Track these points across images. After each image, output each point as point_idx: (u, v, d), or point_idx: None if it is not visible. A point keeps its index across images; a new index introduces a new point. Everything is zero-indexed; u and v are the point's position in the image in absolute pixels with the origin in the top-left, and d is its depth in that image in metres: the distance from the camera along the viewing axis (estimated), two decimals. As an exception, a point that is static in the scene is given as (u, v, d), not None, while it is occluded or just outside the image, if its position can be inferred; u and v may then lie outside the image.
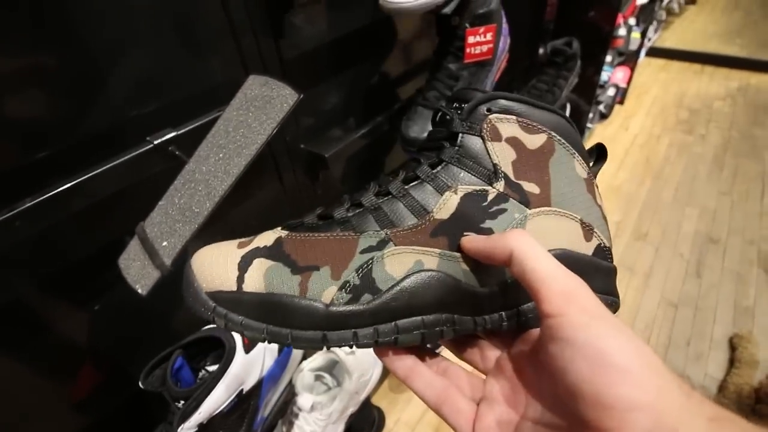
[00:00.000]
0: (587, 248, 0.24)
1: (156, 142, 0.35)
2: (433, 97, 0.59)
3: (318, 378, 0.64)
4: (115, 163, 0.34)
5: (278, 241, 0.22)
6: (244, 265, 0.21)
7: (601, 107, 1.61)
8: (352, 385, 0.60)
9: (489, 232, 0.22)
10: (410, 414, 1.12)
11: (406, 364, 0.22)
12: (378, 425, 0.87)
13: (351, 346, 0.20)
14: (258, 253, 0.21)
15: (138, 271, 0.31)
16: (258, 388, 0.43)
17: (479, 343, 0.24)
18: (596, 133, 1.91)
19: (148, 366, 0.38)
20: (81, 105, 0.34)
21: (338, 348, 0.22)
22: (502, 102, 0.24)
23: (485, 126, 0.23)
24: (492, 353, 0.23)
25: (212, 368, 0.41)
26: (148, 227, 0.32)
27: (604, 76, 1.48)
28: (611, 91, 1.65)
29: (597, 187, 0.26)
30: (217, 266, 0.21)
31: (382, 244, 0.21)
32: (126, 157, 0.35)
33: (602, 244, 0.25)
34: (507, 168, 0.23)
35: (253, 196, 0.55)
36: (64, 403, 0.46)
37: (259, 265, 0.21)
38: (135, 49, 0.36)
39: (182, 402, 0.37)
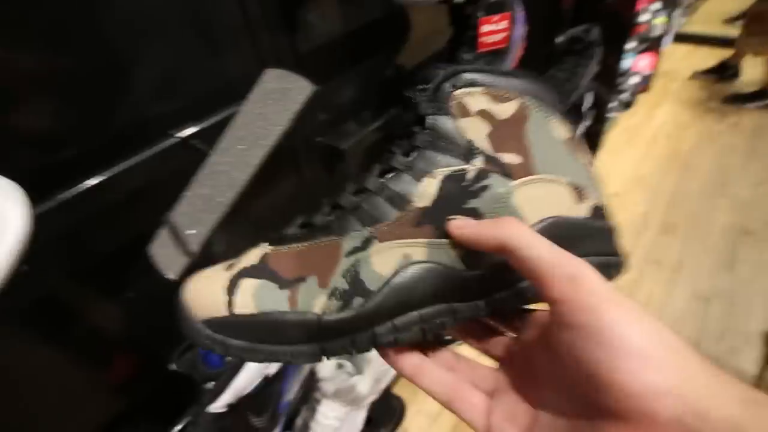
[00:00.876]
0: (581, 210, 0.23)
1: (180, 136, 0.37)
2: (448, 88, 0.59)
3: (340, 366, 0.66)
4: (142, 158, 0.36)
5: (263, 258, 0.22)
6: (231, 287, 0.21)
7: (625, 96, 1.57)
8: (373, 373, 0.61)
9: (474, 212, 0.21)
10: (431, 405, 1.13)
11: (412, 362, 0.21)
12: (399, 415, 0.88)
13: (351, 353, 0.20)
14: (244, 273, 0.21)
15: (168, 258, 0.33)
16: (282, 371, 0.44)
17: (488, 329, 0.24)
18: (620, 123, 1.86)
19: (180, 349, 0.41)
20: (108, 102, 0.36)
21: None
22: (466, 76, 0.23)
23: (452, 103, 0.22)
24: (501, 339, 0.23)
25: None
26: (175, 217, 0.34)
27: (627, 63, 1.44)
28: (635, 79, 1.61)
29: (582, 145, 0.25)
30: (206, 293, 0.21)
31: (366, 243, 0.21)
32: (152, 152, 0.37)
33: (596, 204, 0.24)
34: (482, 143, 0.22)
35: (272, 190, 0.57)
36: (101, 388, 0.49)
37: (247, 285, 0.21)
38: (156, 49, 0.38)
39: (212, 383, 0.39)
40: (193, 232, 0.32)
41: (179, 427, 0.51)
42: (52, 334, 0.42)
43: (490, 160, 0.22)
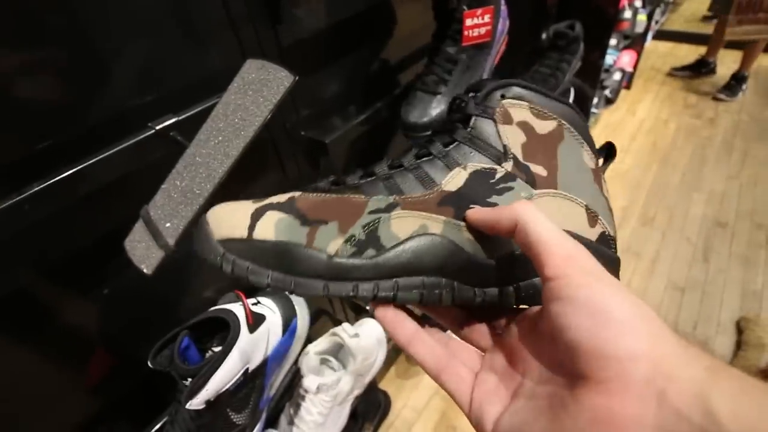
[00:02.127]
0: (591, 234, 0.24)
1: (158, 128, 0.36)
2: (432, 81, 0.59)
3: (324, 362, 0.66)
4: (118, 148, 0.35)
5: (291, 198, 0.23)
6: (256, 215, 0.22)
7: (607, 92, 1.59)
8: (356, 368, 0.61)
9: (494, 206, 0.23)
10: (417, 399, 1.14)
11: (408, 329, 0.22)
12: (384, 409, 0.88)
13: (352, 297, 0.21)
14: (271, 207, 0.23)
15: (143, 252, 0.32)
16: (263, 367, 0.44)
17: (478, 323, 0.24)
18: (602, 119, 1.89)
19: (156, 346, 0.40)
20: (85, 93, 0.35)
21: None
22: (516, 89, 0.25)
23: (498, 110, 0.24)
24: (490, 333, 0.24)
25: (218, 349, 0.42)
26: (151, 210, 0.33)
27: (609, 59, 1.46)
28: (617, 76, 1.63)
29: (604, 181, 0.27)
30: (231, 217, 0.22)
31: (390, 207, 0.22)
32: (129, 143, 0.36)
33: (606, 232, 0.25)
34: (516, 149, 0.24)
35: (255, 184, 0.56)
36: (78, 387, 0.48)
37: (271, 216, 0.22)
38: (135, 39, 0.37)
39: (190, 380, 0.38)
40: (170, 225, 0.31)
41: (157, 426, 0.51)
42: (24, 332, 0.40)
43: (519, 166, 0.24)
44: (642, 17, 1.60)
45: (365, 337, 0.64)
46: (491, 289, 0.23)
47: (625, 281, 1.33)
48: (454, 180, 0.23)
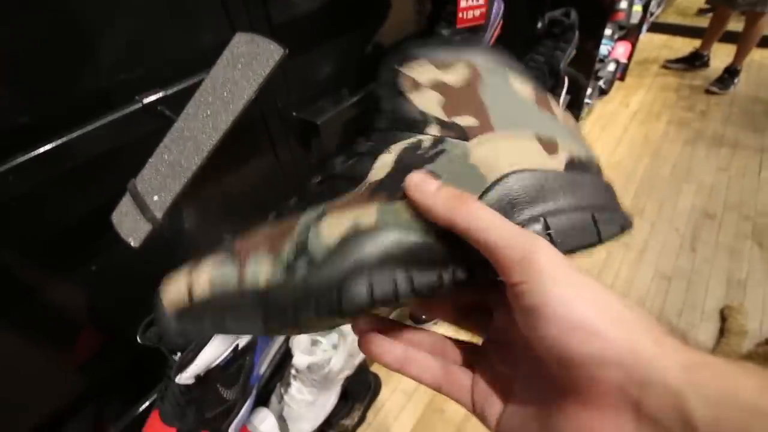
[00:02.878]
0: (554, 163, 0.21)
1: (145, 101, 0.35)
2: (425, 63, 0.59)
3: (314, 343, 0.66)
4: (104, 121, 0.35)
5: (229, 241, 0.21)
6: (194, 270, 0.20)
7: (601, 83, 1.60)
8: (346, 347, 0.62)
9: (432, 175, 0.20)
10: (407, 383, 1.16)
11: (396, 354, 0.21)
12: (374, 390, 0.89)
13: (296, 326, 0.19)
14: (207, 255, 0.21)
15: (130, 225, 0.32)
16: (253, 344, 0.44)
17: (473, 309, 0.23)
18: (596, 109, 1.90)
19: (145, 321, 0.40)
20: (72, 65, 0.35)
21: (282, 335, 0.20)
22: (411, 51, 0.23)
23: (400, 81, 0.23)
24: (485, 318, 0.23)
25: (208, 326, 0.42)
26: (139, 183, 0.33)
27: (604, 50, 1.46)
28: (611, 66, 1.64)
29: (552, 101, 0.24)
30: (173, 284, 0.20)
31: (319, 217, 0.20)
32: (116, 116, 0.35)
33: (575, 156, 0.22)
34: (436, 111, 0.22)
35: (247, 165, 0.56)
36: (66, 366, 0.48)
37: (206, 267, 0.20)
38: (124, 12, 0.36)
39: (179, 354, 0.39)
40: (157, 198, 0.31)
41: (147, 402, 0.51)
42: (9, 311, 0.40)
43: (445, 126, 0.21)
44: (638, 8, 1.60)
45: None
46: (457, 267, 0.19)
47: (613, 270, 1.35)
48: (380, 167, 0.21)
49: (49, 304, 0.43)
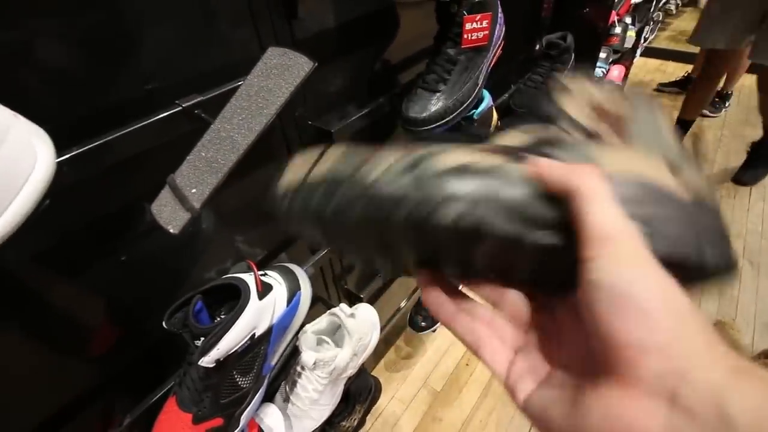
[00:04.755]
0: (673, 182, 0.19)
1: (184, 105, 0.39)
2: (432, 80, 0.63)
3: (320, 342, 0.69)
4: (148, 122, 0.39)
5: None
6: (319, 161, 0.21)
7: (597, 103, 1.66)
8: (351, 346, 0.64)
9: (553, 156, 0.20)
10: (405, 391, 1.17)
11: (448, 310, 0.23)
12: (375, 392, 0.91)
13: (374, 241, 0.20)
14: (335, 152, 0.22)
15: (170, 215, 0.36)
16: (268, 334, 0.47)
17: (515, 296, 0.23)
18: (592, 130, 1.96)
19: (171, 308, 0.43)
20: (117, 70, 0.39)
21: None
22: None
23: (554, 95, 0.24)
24: (527, 306, 0.23)
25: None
26: (178, 177, 0.37)
27: (599, 72, 1.52)
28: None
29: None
30: (297, 167, 0.22)
31: (441, 150, 0.20)
32: (157, 118, 0.39)
33: (693, 186, 0.20)
34: (579, 117, 0.23)
35: (262, 168, 0.60)
36: (82, 356, 0.50)
37: (331, 156, 0.21)
38: (166, 23, 0.41)
39: (202, 340, 0.41)
40: (195, 191, 0.35)
41: (166, 388, 0.53)
42: (44, 294, 0.43)
43: (579, 128, 0.21)
44: (631, 33, 1.67)
45: (361, 318, 0.67)
46: (542, 234, 0.18)
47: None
48: (507, 137, 0.22)
49: (74, 294, 0.46)
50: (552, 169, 0.18)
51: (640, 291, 0.15)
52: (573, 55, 1.01)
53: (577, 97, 0.23)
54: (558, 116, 0.22)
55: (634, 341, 0.14)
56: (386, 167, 0.19)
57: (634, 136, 0.21)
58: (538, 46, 1.15)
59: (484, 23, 0.60)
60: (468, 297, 0.24)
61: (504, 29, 0.68)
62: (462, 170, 0.18)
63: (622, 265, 0.16)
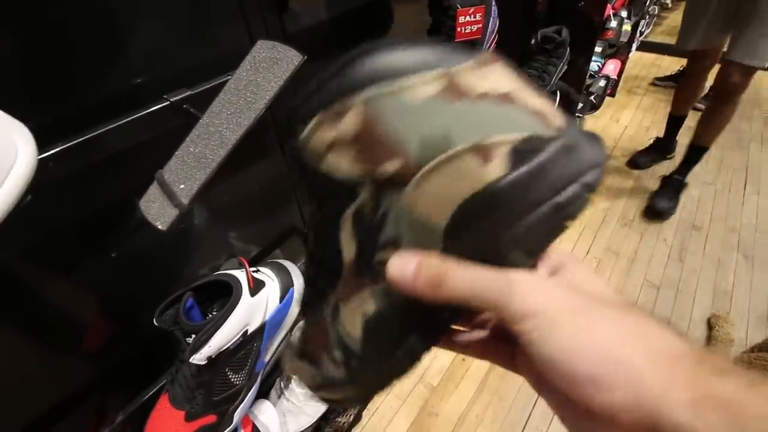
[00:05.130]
0: (493, 171, 0.17)
1: (172, 100, 0.39)
2: (426, 73, 0.63)
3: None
4: (134, 116, 0.38)
5: (300, 338, 0.25)
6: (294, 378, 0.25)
7: (592, 98, 1.66)
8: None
9: (388, 244, 0.19)
10: (401, 387, 1.17)
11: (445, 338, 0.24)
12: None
13: (378, 393, 0.23)
14: (297, 355, 0.25)
15: (158, 211, 0.35)
16: (261, 331, 0.47)
17: (497, 343, 0.24)
18: (587, 124, 1.96)
19: (162, 306, 0.42)
20: (104, 64, 0.38)
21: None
22: (299, 112, 0.20)
23: (305, 153, 0.20)
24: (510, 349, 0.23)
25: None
26: (166, 173, 0.36)
27: (594, 66, 1.52)
28: (602, 83, 1.70)
29: (463, 79, 0.18)
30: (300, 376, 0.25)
31: (336, 312, 0.22)
32: (144, 113, 0.39)
33: (516, 146, 0.17)
34: (356, 170, 0.19)
35: (255, 163, 0.59)
36: (75, 353, 0.50)
37: (300, 369, 0.24)
38: (155, 16, 0.40)
39: (193, 337, 0.41)
40: (184, 186, 0.34)
41: (158, 386, 0.53)
42: (27, 294, 0.43)
43: (373, 182, 0.18)
44: (627, 27, 1.67)
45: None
46: (450, 309, 0.21)
47: (603, 279, 1.41)
48: (347, 245, 0.21)
49: (65, 290, 0.45)
50: (419, 293, 0.18)
51: (580, 358, 0.15)
52: (568, 49, 1.01)
53: (331, 153, 0.19)
54: (344, 188, 0.19)
55: (602, 406, 0.15)
56: (335, 368, 0.22)
57: (416, 151, 0.17)
58: (533, 40, 1.14)
59: (478, 16, 0.60)
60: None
61: (498, 23, 0.67)
62: (369, 327, 0.21)
63: (551, 331, 0.16)
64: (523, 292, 0.17)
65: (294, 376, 0.26)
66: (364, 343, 0.21)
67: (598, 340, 0.15)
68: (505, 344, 0.22)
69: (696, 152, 1.54)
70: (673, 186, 1.57)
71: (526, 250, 0.18)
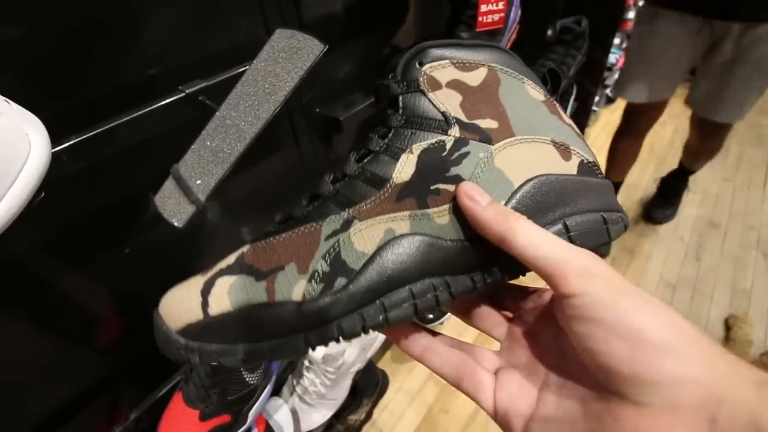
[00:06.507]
0: (569, 168, 0.22)
1: (188, 91, 0.37)
2: (445, 65, 0.61)
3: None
4: (149, 109, 0.37)
5: (240, 256, 0.21)
6: (206, 289, 0.20)
7: (608, 91, 1.62)
8: (359, 341, 0.63)
9: (457, 179, 0.20)
10: (411, 383, 1.16)
11: (420, 343, 0.22)
12: (382, 386, 0.90)
13: (338, 340, 0.18)
14: (219, 273, 0.20)
15: (174, 207, 0.34)
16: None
17: (487, 308, 0.24)
18: (602, 117, 1.92)
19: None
20: (118, 55, 0.37)
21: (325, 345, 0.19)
22: (433, 51, 0.22)
23: (422, 79, 0.22)
24: (501, 318, 0.23)
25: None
26: (182, 168, 0.35)
27: (612, 58, 1.48)
28: (619, 75, 1.66)
29: (559, 107, 0.24)
30: (180, 300, 0.20)
31: (347, 225, 0.20)
32: (159, 104, 0.37)
33: (584, 160, 0.23)
34: (457, 112, 0.22)
35: (270, 158, 0.58)
36: (89, 348, 0.49)
37: (222, 283, 0.19)
38: (167, 7, 0.38)
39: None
40: (200, 182, 0.33)
41: (171, 384, 0.52)
42: (47, 287, 0.42)
43: (466, 127, 0.21)
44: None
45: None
46: (489, 268, 0.20)
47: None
48: (404, 169, 0.21)
49: (78, 286, 0.45)
50: (479, 217, 0.19)
51: (653, 324, 0.15)
52: (588, 40, 0.98)
53: (448, 89, 0.22)
54: (440, 120, 0.22)
55: (667, 377, 0.14)
56: (304, 282, 0.19)
57: (516, 123, 0.22)
58: (550, 31, 1.11)
59: (500, 5, 0.57)
60: (436, 333, 0.23)
61: (519, 12, 0.65)
62: (387, 246, 0.19)
63: (620, 299, 0.16)
64: (587, 254, 0.17)
65: (193, 304, 0.20)
66: (372, 261, 0.19)
67: (669, 313, 0.16)
68: (488, 377, 0.21)
69: (684, 173, 1.40)
70: (671, 191, 1.44)
71: (572, 239, 0.20)
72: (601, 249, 0.21)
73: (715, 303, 1.22)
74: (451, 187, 0.20)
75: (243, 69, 0.38)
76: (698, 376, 0.14)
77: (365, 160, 0.22)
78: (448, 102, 0.22)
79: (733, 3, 0.85)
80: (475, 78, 0.23)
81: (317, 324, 0.18)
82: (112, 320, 0.50)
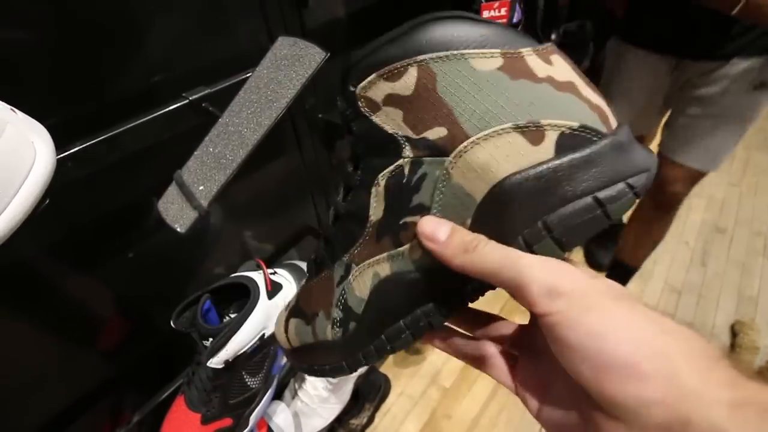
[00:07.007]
0: (542, 153, 0.18)
1: (191, 98, 0.38)
2: (447, 71, 0.61)
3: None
4: (153, 115, 0.37)
5: (297, 296, 0.26)
6: (285, 328, 0.26)
7: (613, 96, 1.61)
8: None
9: (421, 208, 0.19)
10: (414, 388, 1.16)
11: (440, 336, 0.24)
12: (384, 391, 0.90)
13: (368, 364, 0.22)
14: (290, 314, 0.26)
15: (176, 213, 0.34)
16: (278, 334, 0.46)
17: (491, 322, 0.24)
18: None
19: (179, 308, 0.42)
20: (122, 63, 0.37)
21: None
22: (357, 66, 0.20)
23: (359, 103, 0.20)
24: (506, 327, 0.23)
25: (235, 315, 0.44)
26: (185, 174, 0.35)
27: (617, 63, 1.48)
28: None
29: (532, 53, 0.19)
30: (279, 332, 0.26)
31: (347, 270, 0.22)
32: (163, 111, 0.38)
33: (565, 131, 0.18)
34: (404, 130, 0.19)
35: (274, 162, 0.58)
36: (91, 351, 0.50)
37: (291, 325, 0.25)
38: (171, 15, 0.39)
39: (210, 340, 0.40)
40: (203, 188, 0.33)
41: (173, 387, 0.53)
42: (52, 290, 0.42)
43: (417, 144, 0.19)
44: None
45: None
46: (473, 283, 0.20)
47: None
48: (377, 205, 0.21)
49: (82, 290, 0.45)
50: (447, 257, 0.18)
51: (616, 343, 0.14)
52: (593, 45, 0.98)
53: (385, 106, 0.20)
54: (390, 143, 0.20)
55: (630, 399, 0.14)
56: (329, 327, 0.23)
57: (466, 120, 0.18)
58: (554, 36, 1.11)
59: (503, 11, 0.57)
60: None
61: (522, 17, 0.65)
62: (377, 289, 0.21)
63: (581, 314, 0.15)
64: (552, 269, 0.16)
65: (284, 337, 0.25)
66: (368, 305, 0.21)
67: (635, 329, 0.15)
68: (507, 359, 0.22)
69: (623, 272, 1.20)
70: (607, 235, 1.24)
71: (557, 239, 0.18)
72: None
73: (720, 309, 1.20)
74: (416, 218, 0.19)
75: (246, 76, 0.39)
76: (663, 398, 0.14)
77: (348, 198, 0.22)
78: (392, 122, 0.20)
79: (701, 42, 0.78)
80: (406, 85, 0.19)
81: (348, 356, 0.22)
82: (116, 324, 0.51)
